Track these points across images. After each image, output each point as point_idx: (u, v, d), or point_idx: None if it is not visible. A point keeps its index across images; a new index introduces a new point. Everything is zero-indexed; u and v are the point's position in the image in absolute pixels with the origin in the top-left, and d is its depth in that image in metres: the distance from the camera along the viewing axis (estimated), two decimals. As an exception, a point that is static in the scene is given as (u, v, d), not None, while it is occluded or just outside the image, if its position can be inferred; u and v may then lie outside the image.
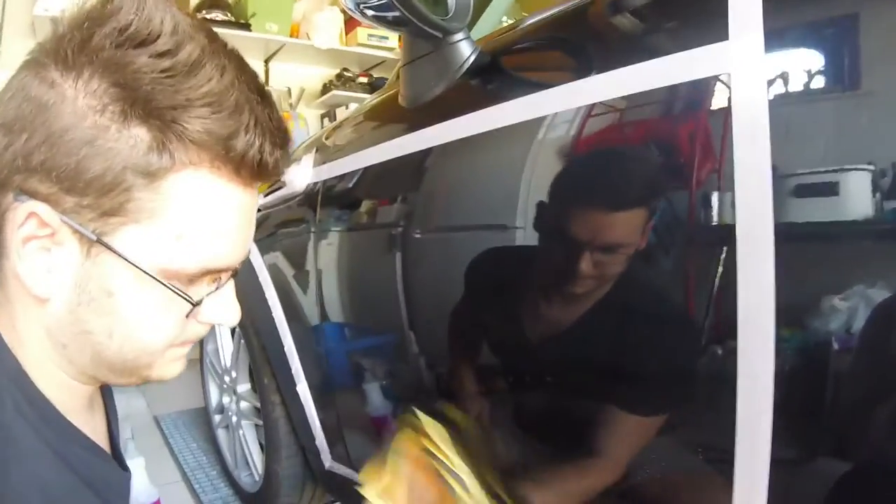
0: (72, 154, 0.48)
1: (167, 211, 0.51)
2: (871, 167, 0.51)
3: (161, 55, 0.48)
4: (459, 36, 0.91)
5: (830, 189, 0.54)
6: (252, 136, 0.52)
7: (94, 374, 0.60)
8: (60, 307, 0.54)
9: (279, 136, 0.55)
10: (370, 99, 1.43)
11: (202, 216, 0.53)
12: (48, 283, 0.53)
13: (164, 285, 0.53)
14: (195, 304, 0.56)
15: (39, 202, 0.50)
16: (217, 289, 0.59)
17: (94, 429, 0.65)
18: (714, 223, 0.61)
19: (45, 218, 0.50)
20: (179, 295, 0.54)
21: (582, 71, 0.74)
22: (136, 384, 0.63)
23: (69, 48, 0.49)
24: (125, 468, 0.75)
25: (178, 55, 0.49)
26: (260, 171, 0.55)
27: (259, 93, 0.54)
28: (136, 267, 0.52)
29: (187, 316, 0.56)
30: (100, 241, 0.51)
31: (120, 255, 0.51)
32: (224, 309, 0.60)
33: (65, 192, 0.49)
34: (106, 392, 0.79)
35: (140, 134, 0.49)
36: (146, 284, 0.53)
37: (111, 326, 0.55)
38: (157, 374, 0.61)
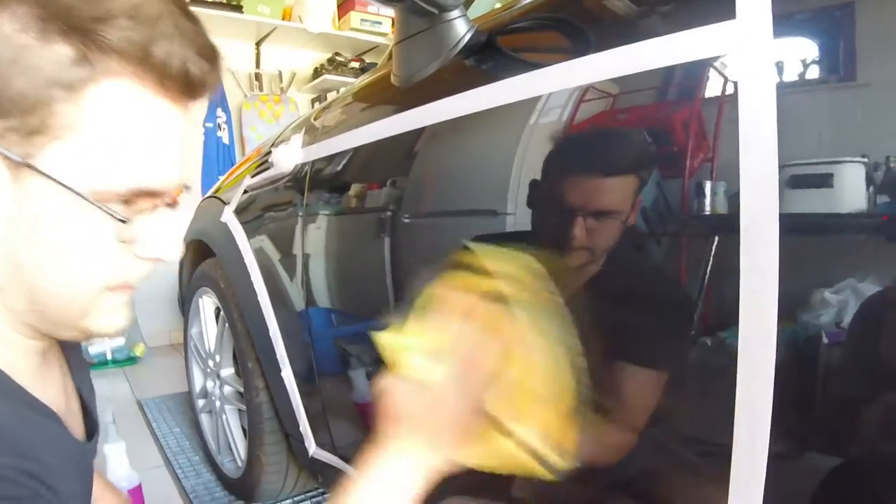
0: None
1: (91, 125, 0.50)
2: (884, 154, 0.49)
3: None
4: (455, 13, 0.88)
5: (827, 180, 0.52)
6: (173, 44, 0.51)
7: (33, 322, 0.58)
8: None
9: (205, 48, 0.54)
10: (361, 79, 1.41)
11: (127, 129, 0.52)
12: None
13: (91, 203, 0.51)
14: (124, 221, 0.53)
15: None
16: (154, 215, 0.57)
17: (46, 393, 0.63)
18: (716, 206, 0.59)
19: None
20: (108, 212, 0.52)
21: (581, 50, 0.72)
22: (80, 339, 0.62)
23: None
24: (90, 438, 0.74)
25: None
26: (186, 84, 0.53)
27: (181, 7, 0.53)
28: (64, 186, 0.50)
29: (120, 240, 0.54)
30: (27, 164, 0.50)
31: (47, 176, 0.50)
32: (163, 241, 0.58)
33: None
34: (76, 364, 0.77)
35: (61, 49, 0.48)
36: (75, 207, 0.52)
37: (42, 258, 0.53)
38: (97, 326, 0.60)
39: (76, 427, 0.72)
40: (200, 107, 0.58)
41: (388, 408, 0.62)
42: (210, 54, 0.55)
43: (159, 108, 0.53)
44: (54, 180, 0.50)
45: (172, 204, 0.59)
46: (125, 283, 0.59)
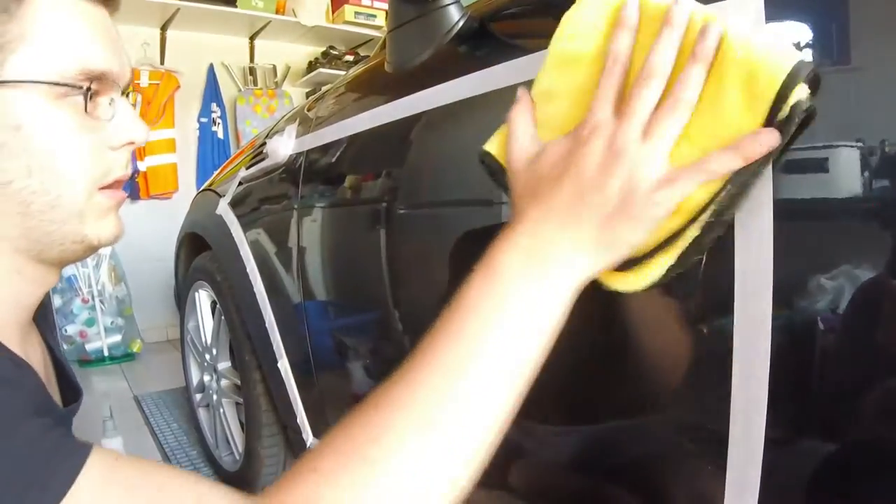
0: None
1: (33, 31, 0.57)
2: (879, 139, 0.49)
3: None
4: (448, 0, 0.88)
5: (822, 165, 0.52)
6: None
7: (28, 246, 0.62)
8: None
9: None
10: (355, 69, 1.40)
11: (63, 25, 0.59)
12: None
13: (58, 84, 0.58)
14: (86, 91, 0.60)
15: None
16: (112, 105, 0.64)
17: (29, 357, 0.64)
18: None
19: None
20: (69, 84, 0.59)
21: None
22: (79, 252, 0.66)
23: None
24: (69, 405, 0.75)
25: None
26: None
27: None
28: (32, 82, 0.57)
29: (86, 110, 0.60)
30: None
31: (14, 82, 0.57)
32: (128, 124, 0.65)
33: None
34: (53, 344, 0.78)
35: None
36: (46, 104, 0.58)
37: (28, 163, 0.58)
38: (93, 232, 0.64)
39: (55, 396, 0.73)
40: (113, 11, 0.66)
41: (526, 179, 0.57)
42: None
43: (80, 5, 0.61)
44: (21, 82, 0.57)
45: (125, 92, 0.67)
46: (109, 178, 0.64)
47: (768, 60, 0.48)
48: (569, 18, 0.60)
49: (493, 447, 0.53)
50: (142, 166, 3.64)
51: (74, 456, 0.53)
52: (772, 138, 0.48)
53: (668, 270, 0.55)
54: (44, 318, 0.79)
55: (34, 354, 0.70)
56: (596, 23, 0.58)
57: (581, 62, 0.58)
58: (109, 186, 0.65)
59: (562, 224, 0.53)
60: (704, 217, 0.52)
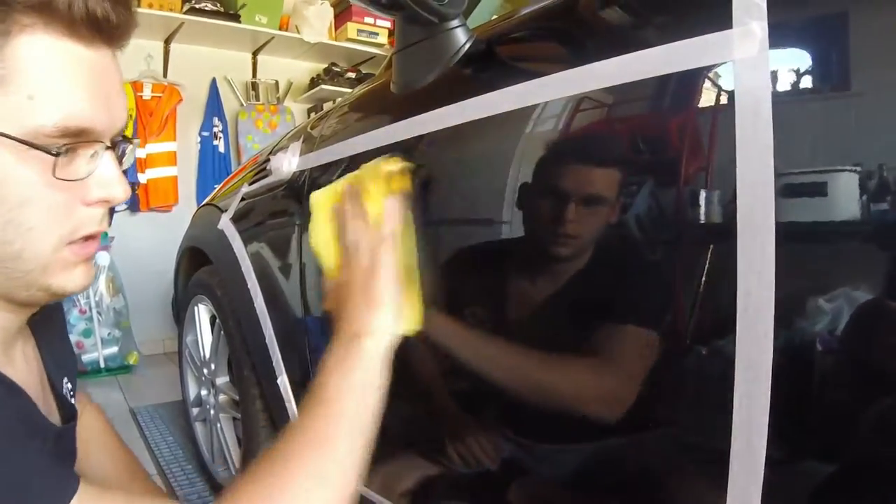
0: None
1: (14, 76, 0.55)
2: (878, 163, 0.50)
3: None
4: (455, 22, 0.89)
5: (821, 188, 0.53)
6: None
7: None
8: None
9: None
10: (359, 88, 1.41)
11: (47, 73, 0.56)
12: None
13: (25, 143, 0.55)
14: (56, 154, 0.57)
15: None
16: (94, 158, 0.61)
17: (13, 373, 0.63)
18: (712, 214, 0.60)
19: None
20: (39, 148, 0.56)
21: (579, 60, 0.73)
22: (43, 299, 0.65)
23: None
24: (67, 422, 0.75)
25: None
26: (94, 24, 0.58)
27: None
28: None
29: (55, 174, 0.57)
30: None
31: None
32: (107, 182, 0.63)
33: None
34: (49, 356, 0.78)
35: None
36: (15, 156, 0.55)
37: None
38: (58, 284, 0.63)
39: (52, 414, 0.73)
40: (118, 49, 0.64)
41: (328, 303, 0.86)
42: None
43: (73, 50, 0.58)
44: None
45: (112, 147, 0.64)
46: (80, 233, 0.62)
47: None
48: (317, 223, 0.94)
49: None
50: (142, 178, 3.65)
51: (62, 493, 0.55)
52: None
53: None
54: (49, 341, 0.79)
55: (23, 372, 0.69)
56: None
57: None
58: (79, 240, 0.63)
59: (359, 314, 0.77)
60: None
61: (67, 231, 0.61)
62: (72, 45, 0.58)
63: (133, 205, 3.69)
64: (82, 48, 0.58)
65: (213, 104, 3.92)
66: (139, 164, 3.57)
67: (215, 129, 3.88)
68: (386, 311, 0.77)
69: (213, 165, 3.87)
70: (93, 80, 0.59)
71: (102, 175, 0.62)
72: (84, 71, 0.58)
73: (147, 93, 3.59)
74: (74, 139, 0.59)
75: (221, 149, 3.90)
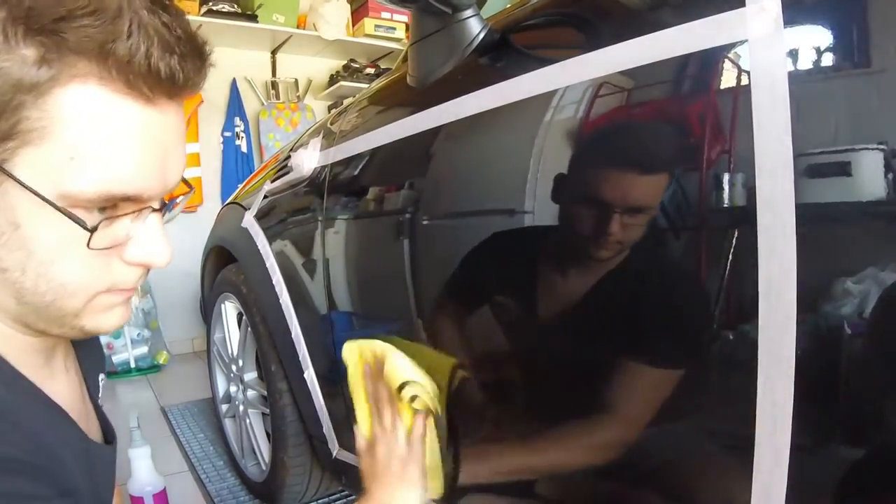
0: None
1: (58, 129, 0.49)
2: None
3: None
4: (469, 13, 0.89)
5: (845, 168, 0.52)
6: (136, 40, 0.49)
7: (26, 321, 0.58)
8: None
9: (177, 43, 0.51)
10: (377, 82, 1.42)
11: (94, 132, 0.50)
12: None
13: (57, 208, 0.50)
14: (90, 231, 0.52)
15: None
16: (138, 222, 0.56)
17: (54, 390, 0.63)
18: (735, 198, 0.59)
19: None
20: (72, 218, 0.51)
21: (593, 44, 0.72)
22: (76, 336, 0.61)
23: None
24: (109, 442, 0.75)
25: None
26: (156, 80, 0.51)
27: (152, 1, 0.51)
28: (33, 192, 0.49)
29: (89, 246, 0.52)
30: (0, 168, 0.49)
31: (17, 181, 0.49)
32: (149, 247, 0.57)
33: None
34: (89, 370, 0.78)
35: (25, 51, 0.47)
36: (49, 213, 0.50)
37: (23, 262, 0.52)
38: (91, 325, 0.59)
39: (93, 430, 0.72)
40: (180, 104, 0.57)
41: (363, 462, 0.97)
42: (184, 48, 0.52)
43: (128, 108, 0.51)
44: (24, 186, 0.49)
45: (160, 209, 0.58)
46: (116, 288, 0.58)
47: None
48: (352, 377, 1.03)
49: None
50: (167, 181, 3.68)
51: None
52: None
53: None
54: (89, 356, 0.78)
55: (61, 383, 0.68)
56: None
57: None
58: (115, 290, 0.58)
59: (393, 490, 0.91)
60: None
61: (103, 287, 0.57)
62: (127, 102, 0.51)
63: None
64: (140, 105, 0.52)
65: (234, 104, 3.94)
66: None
67: (237, 129, 3.91)
68: (416, 490, 0.91)
69: (236, 165, 3.90)
70: (147, 143, 0.53)
71: (145, 238, 0.57)
72: (138, 132, 0.52)
73: (169, 95, 3.61)
74: (115, 208, 0.54)
75: (244, 148, 3.93)
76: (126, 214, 0.55)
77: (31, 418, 0.57)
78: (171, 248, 0.58)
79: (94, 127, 0.50)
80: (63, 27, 0.47)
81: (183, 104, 0.57)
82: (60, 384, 0.68)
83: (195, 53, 0.53)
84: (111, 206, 0.54)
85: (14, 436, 0.54)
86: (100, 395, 0.82)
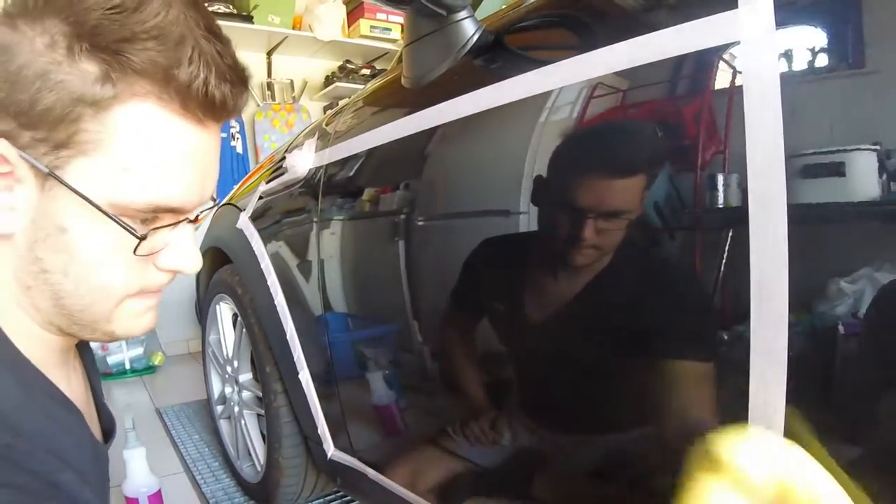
0: (27, 89, 0.50)
1: (114, 142, 0.52)
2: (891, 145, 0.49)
3: None
4: (463, 14, 0.89)
5: (839, 168, 0.52)
6: (196, 68, 0.53)
7: (59, 323, 0.60)
8: (22, 245, 0.56)
9: (229, 71, 0.56)
10: (372, 83, 1.42)
11: (149, 149, 0.54)
12: (10, 221, 0.55)
13: (110, 217, 0.54)
14: (141, 238, 0.56)
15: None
16: (174, 230, 0.60)
17: (70, 389, 0.65)
18: (728, 199, 0.60)
19: (4, 153, 0.52)
20: (124, 227, 0.55)
21: (588, 45, 0.72)
22: (104, 341, 0.64)
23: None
24: (106, 441, 0.76)
25: None
26: (209, 106, 0.55)
27: (208, 30, 0.55)
28: (85, 199, 0.53)
29: (136, 252, 0.56)
30: (52, 174, 0.52)
31: (70, 188, 0.52)
32: (182, 254, 0.61)
33: (21, 126, 0.51)
34: (90, 368, 0.78)
35: (88, 67, 0.50)
36: (97, 219, 0.54)
37: (66, 264, 0.56)
38: (121, 330, 0.62)
39: (94, 428, 0.73)
40: (221, 125, 0.61)
41: None
42: (234, 77, 0.56)
43: (181, 129, 0.55)
44: (77, 192, 0.52)
45: (194, 220, 0.62)
46: (147, 290, 0.62)
47: None
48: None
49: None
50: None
51: None
52: None
53: None
54: (86, 354, 0.80)
55: (75, 382, 0.70)
56: None
57: None
58: (145, 293, 0.62)
59: None
60: None
61: (135, 289, 0.60)
62: (181, 123, 0.55)
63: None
64: (192, 126, 0.56)
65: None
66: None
67: (232, 130, 3.91)
68: None
69: (231, 166, 3.90)
70: (194, 161, 0.57)
71: (179, 247, 0.61)
72: (188, 151, 0.56)
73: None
74: (157, 219, 0.58)
75: (239, 149, 3.93)
76: (167, 225, 0.59)
77: (50, 425, 0.59)
78: (200, 257, 0.63)
79: (149, 144, 0.54)
80: (127, 48, 0.51)
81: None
82: (74, 384, 0.70)
83: (242, 81, 0.58)
84: (153, 217, 0.57)
85: (33, 461, 0.54)
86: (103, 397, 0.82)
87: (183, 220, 0.60)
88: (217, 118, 0.58)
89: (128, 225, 0.55)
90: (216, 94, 0.55)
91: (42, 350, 0.61)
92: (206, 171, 0.59)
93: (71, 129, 0.51)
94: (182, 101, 0.54)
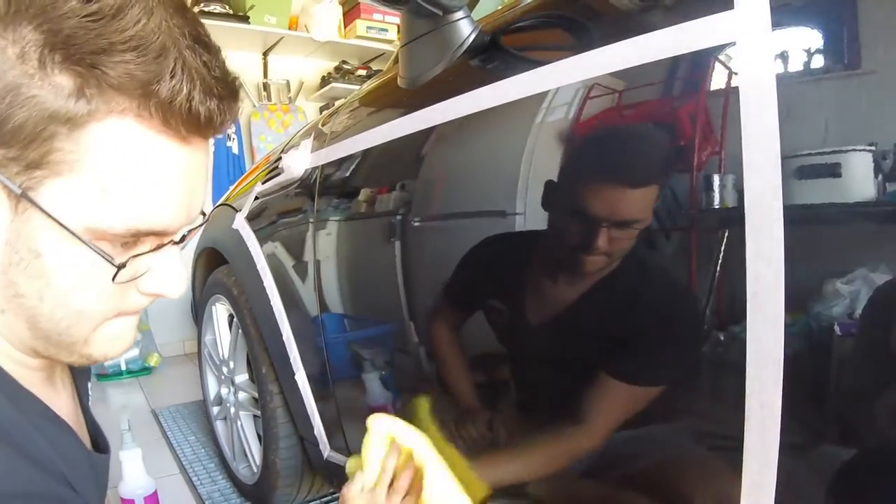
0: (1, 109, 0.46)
1: (90, 162, 0.48)
2: (893, 142, 0.49)
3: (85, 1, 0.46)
4: (459, 14, 0.89)
5: (835, 169, 0.52)
6: (178, 82, 0.48)
7: (35, 346, 0.57)
8: None
9: (217, 85, 0.51)
10: (368, 83, 1.42)
11: (128, 169, 0.49)
12: None
13: (85, 243, 0.50)
14: (118, 267, 0.52)
15: None
16: (156, 253, 0.56)
17: (59, 405, 0.63)
18: (725, 200, 0.60)
19: None
20: (100, 254, 0.51)
21: (582, 46, 0.72)
22: (81, 363, 0.61)
23: (4, 2, 0.46)
24: (104, 452, 0.74)
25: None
26: (194, 122, 0.51)
27: (195, 39, 0.50)
28: (60, 224, 0.49)
29: (114, 280, 0.53)
30: (24, 196, 0.48)
31: (44, 212, 0.48)
32: (166, 279, 0.57)
33: None
34: (77, 375, 0.77)
35: (62, 81, 0.46)
36: (72, 244, 0.50)
37: (41, 290, 0.52)
38: (99, 352, 0.59)
39: (85, 439, 0.72)
40: (209, 141, 0.56)
41: None
42: (222, 90, 0.52)
43: (163, 147, 0.51)
44: (50, 216, 0.49)
45: (180, 241, 0.58)
46: (126, 312, 0.58)
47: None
48: (365, 444, 0.94)
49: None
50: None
51: None
52: None
53: None
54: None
55: (62, 397, 0.69)
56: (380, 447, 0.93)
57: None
58: (124, 315, 0.59)
59: None
60: None
61: (112, 310, 0.56)
62: (163, 141, 0.51)
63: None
64: (175, 144, 0.51)
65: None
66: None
67: (228, 131, 3.89)
68: None
69: (227, 167, 3.88)
70: (178, 181, 0.52)
71: (163, 271, 0.57)
72: (170, 169, 0.52)
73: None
74: (138, 242, 0.54)
75: (235, 150, 3.92)
76: (150, 251, 0.55)
77: (43, 440, 0.57)
78: (187, 279, 0.59)
79: (128, 163, 0.49)
80: (104, 60, 0.46)
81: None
82: (63, 397, 0.68)
83: (231, 94, 0.53)
84: (134, 241, 0.53)
85: (29, 471, 0.53)
86: (89, 401, 0.81)
87: (168, 243, 0.56)
88: (203, 135, 0.53)
89: (104, 253, 0.51)
90: (201, 110, 0.50)
91: (24, 370, 0.59)
92: (192, 190, 0.54)
93: (44, 149, 0.47)
94: (163, 117, 0.49)
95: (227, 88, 0.52)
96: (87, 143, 0.48)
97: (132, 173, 0.50)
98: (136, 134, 0.49)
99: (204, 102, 0.50)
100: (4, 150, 0.47)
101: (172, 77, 0.48)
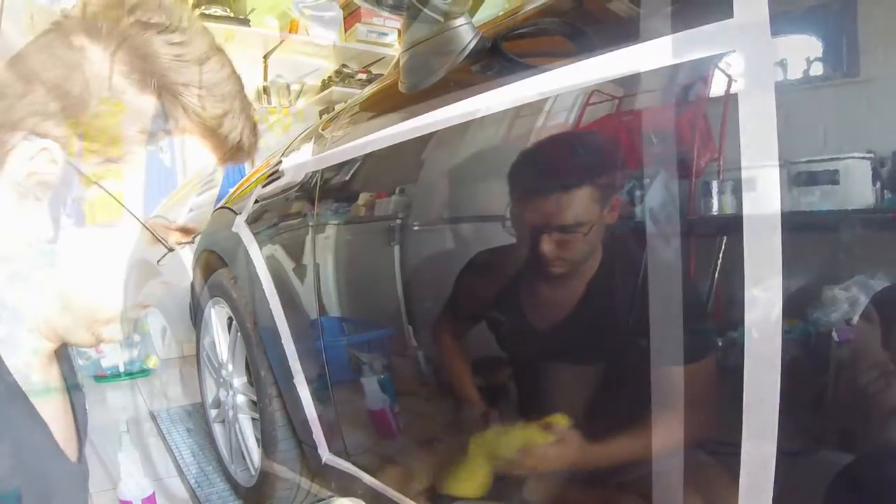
0: (92, 107, 0.55)
1: (160, 167, 0.59)
2: (891, 150, 0.50)
3: (176, 44, 0.58)
4: (461, 20, 0.89)
5: (833, 177, 0.53)
6: (238, 120, 0.62)
7: (55, 320, 0.62)
8: None
9: (254, 124, 0.65)
10: (368, 88, 1.42)
11: (186, 175, 0.61)
12: None
13: (147, 228, 0.59)
14: (172, 250, 0.62)
15: (51, 141, 0.55)
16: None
17: (44, 410, 0.63)
18: (723, 206, 0.60)
19: (56, 156, 0.55)
20: (160, 240, 0.60)
21: (584, 52, 0.73)
22: (91, 344, 0.66)
23: (103, 25, 0.57)
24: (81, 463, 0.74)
25: (189, 46, 0.58)
26: (237, 151, 0.64)
27: (243, 92, 0.64)
28: (127, 209, 0.58)
29: (161, 265, 0.62)
30: (96, 183, 0.57)
31: (113, 198, 0.57)
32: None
33: (78, 137, 0.56)
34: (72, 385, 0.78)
35: (151, 100, 0.57)
36: (132, 231, 0.59)
37: (90, 269, 0.59)
38: (110, 334, 0.65)
39: (70, 447, 0.72)
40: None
41: None
42: (257, 132, 0.66)
43: (211, 163, 0.63)
44: (118, 202, 0.57)
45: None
46: (147, 302, 0.67)
47: None
48: None
49: None
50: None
51: None
52: None
53: None
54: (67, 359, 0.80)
55: (54, 404, 0.69)
56: None
57: None
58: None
59: None
60: None
61: (140, 297, 0.65)
62: (211, 157, 0.63)
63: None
64: (217, 162, 0.64)
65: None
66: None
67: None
68: None
69: (228, 170, 3.89)
70: (215, 189, 0.68)
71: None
72: (212, 180, 0.69)
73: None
74: (183, 234, 0.66)
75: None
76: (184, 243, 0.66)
77: (25, 443, 0.58)
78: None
79: (186, 170, 0.62)
80: (185, 92, 0.58)
81: None
82: (51, 403, 0.68)
83: (257, 134, 0.67)
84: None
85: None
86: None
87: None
88: (237, 161, 0.66)
89: (163, 238, 0.61)
90: (246, 144, 0.64)
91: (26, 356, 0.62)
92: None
93: (124, 150, 0.57)
94: (219, 144, 0.62)
95: (257, 129, 0.68)
96: (159, 151, 0.60)
97: (188, 179, 0.63)
98: (197, 150, 0.62)
99: (249, 138, 0.65)
100: (89, 142, 0.56)
101: (234, 117, 0.62)
